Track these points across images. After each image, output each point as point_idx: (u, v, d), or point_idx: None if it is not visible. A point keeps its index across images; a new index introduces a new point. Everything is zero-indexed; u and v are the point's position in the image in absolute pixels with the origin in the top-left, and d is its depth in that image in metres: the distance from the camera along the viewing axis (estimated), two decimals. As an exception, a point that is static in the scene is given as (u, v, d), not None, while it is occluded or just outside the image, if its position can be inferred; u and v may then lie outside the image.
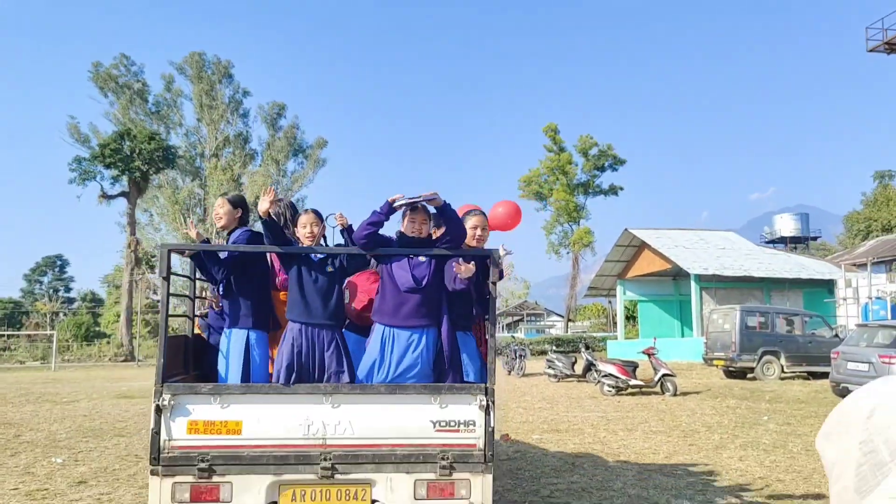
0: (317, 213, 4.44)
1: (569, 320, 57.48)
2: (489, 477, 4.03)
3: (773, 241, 64.55)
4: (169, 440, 3.94)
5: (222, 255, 4.53)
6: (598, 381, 16.02)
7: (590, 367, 17.90)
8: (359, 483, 3.98)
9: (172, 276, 4.77)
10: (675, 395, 15.11)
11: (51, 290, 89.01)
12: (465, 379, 4.33)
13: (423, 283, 4.31)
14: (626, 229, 34.76)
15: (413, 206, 4.41)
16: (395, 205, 4.28)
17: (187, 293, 5.06)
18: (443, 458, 3.98)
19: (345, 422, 4.02)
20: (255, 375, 4.39)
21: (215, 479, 3.90)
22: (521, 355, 23.06)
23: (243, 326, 4.45)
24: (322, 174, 64.68)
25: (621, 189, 53.93)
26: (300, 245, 4.42)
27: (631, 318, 47.09)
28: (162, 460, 3.91)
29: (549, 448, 8.79)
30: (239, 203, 4.93)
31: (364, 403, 4.08)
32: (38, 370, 40.19)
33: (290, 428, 4.00)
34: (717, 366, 20.48)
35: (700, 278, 29.81)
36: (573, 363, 19.71)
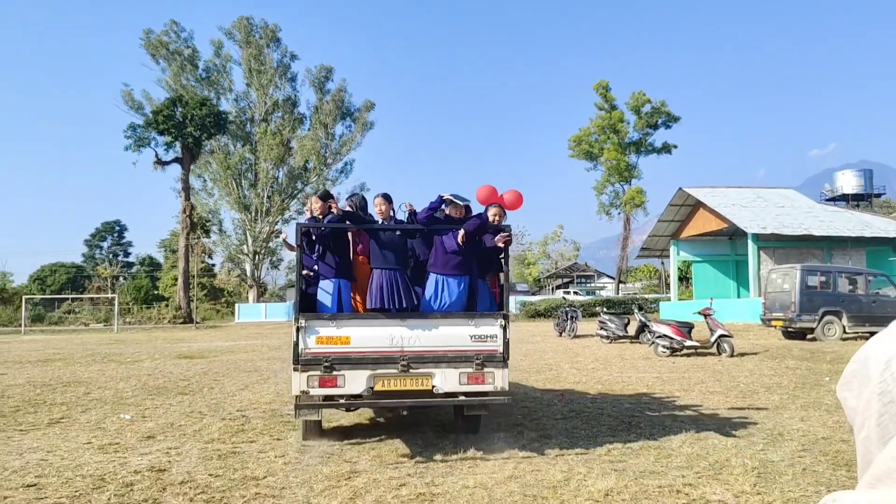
0: (385, 196, 6.71)
1: (620, 282, 56.91)
2: (506, 370, 6.30)
3: (833, 199, 62.45)
4: (304, 349, 6.13)
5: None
6: (653, 342, 15.84)
7: (643, 328, 17.72)
8: (424, 375, 6.19)
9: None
10: (731, 356, 14.86)
11: (110, 255, 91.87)
12: (478, 309, 6.60)
13: (463, 247, 6.50)
14: (680, 188, 34.00)
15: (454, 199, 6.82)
16: (444, 197, 6.63)
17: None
18: (477, 359, 6.21)
19: (415, 336, 6.22)
20: (344, 308, 6.49)
21: (334, 373, 6.06)
22: (572, 316, 22.92)
23: (335, 278, 6.55)
24: (370, 136, 64.79)
25: (675, 147, 52.68)
26: (377, 220, 6.71)
27: (684, 279, 46.35)
28: (300, 361, 6.09)
29: (605, 408, 8.75)
30: (326, 197, 6.94)
31: (427, 324, 6.29)
32: (101, 332, 41.75)
33: (380, 340, 6.19)
34: (775, 326, 20.04)
35: (758, 237, 29.05)
36: (626, 324, 19.50)
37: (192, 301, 51.92)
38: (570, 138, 53.44)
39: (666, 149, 52.43)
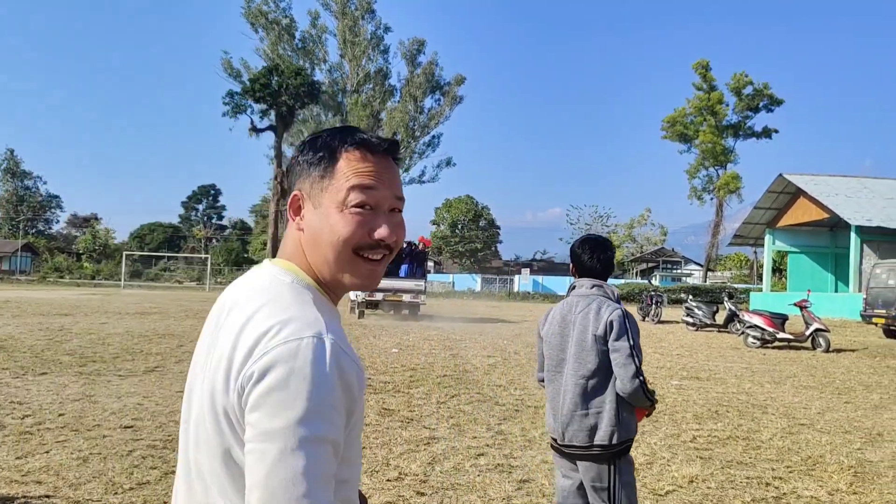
0: None
1: (708, 269, 55.11)
2: (425, 296, 20.91)
3: (948, 194, 58.28)
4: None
5: None
6: (742, 333, 15.26)
7: (733, 317, 17.09)
8: (399, 296, 20.11)
9: None
10: (827, 351, 14.15)
11: (205, 218, 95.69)
12: (417, 279, 20.87)
13: (405, 255, 21.09)
14: (780, 174, 32.42)
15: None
16: (412, 241, 22.48)
17: None
18: (416, 291, 20.41)
19: (398, 284, 20.14)
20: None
21: (373, 293, 19.20)
22: (657, 301, 22.37)
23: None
24: (458, 111, 64.63)
25: (775, 132, 50.24)
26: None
27: (777, 270, 44.44)
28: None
29: (690, 395, 8.48)
30: None
31: (401, 281, 20.31)
32: (193, 290, 43.63)
33: (387, 284, 19.58)
34: (876, 324, 18.93)
35: (861, 230, 27.45)
36: (714, 312, 18.86)
37: (280, 265, 53.37)
38: (663, 119, 51.76)
39: (766, 133, 50.06)
